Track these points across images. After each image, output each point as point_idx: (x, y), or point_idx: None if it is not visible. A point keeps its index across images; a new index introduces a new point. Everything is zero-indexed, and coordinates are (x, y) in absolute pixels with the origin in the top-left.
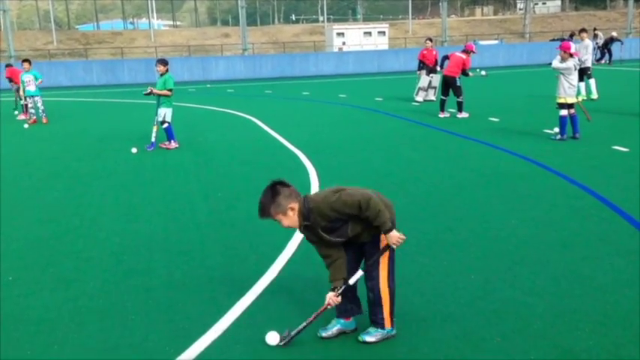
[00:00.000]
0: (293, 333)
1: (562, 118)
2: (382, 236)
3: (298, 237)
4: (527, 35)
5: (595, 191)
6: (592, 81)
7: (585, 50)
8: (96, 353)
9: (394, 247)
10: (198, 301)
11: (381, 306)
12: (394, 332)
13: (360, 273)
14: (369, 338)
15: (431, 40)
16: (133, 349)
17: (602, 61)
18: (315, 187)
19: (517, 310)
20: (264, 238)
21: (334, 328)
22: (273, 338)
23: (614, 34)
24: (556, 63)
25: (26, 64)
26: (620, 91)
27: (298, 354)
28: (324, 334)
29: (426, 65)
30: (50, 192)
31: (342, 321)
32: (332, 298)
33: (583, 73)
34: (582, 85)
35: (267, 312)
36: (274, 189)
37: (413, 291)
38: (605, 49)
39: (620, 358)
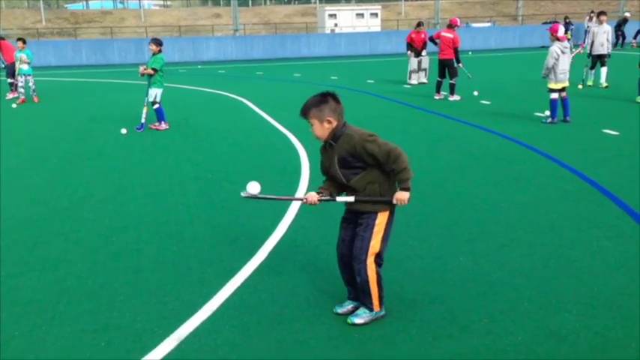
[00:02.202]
0: (263, 196)
1: (553, 102)
2: (377, 220)
3: (288, 219)
4: (520, 18)
5: (584, 174)
6: (604, 69)
7: (605, 35)
8: (84, 334)
9: (396, 202)
10: (187, 282)
11: (369, 293)
12: (383, 313)
13: (351, 198)
14: (358, 320)
15: (422, 24)
16: (122, 330)
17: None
18: (305, 168)
19: (505, 292)
20: (254, 220)
21: (350, 305)
22: (253, 187)
23: (628, 14)
24: (547, 63)
25: (21, 43)
26: (610, 75)
27: (287, 334)
28: (339, 311)
29: (414, 48)
30: (39, 173)
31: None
32: (312, 196)
33: (600, 60)
34: (592, 72)
35: (257, 293)
36: (325, 97)
37: (402, 273)
38: (618, 31)
39: (607, 340)
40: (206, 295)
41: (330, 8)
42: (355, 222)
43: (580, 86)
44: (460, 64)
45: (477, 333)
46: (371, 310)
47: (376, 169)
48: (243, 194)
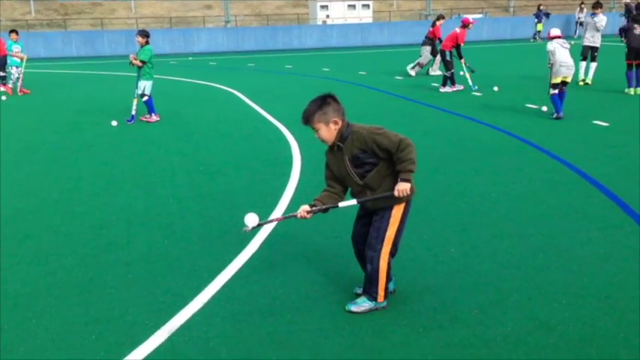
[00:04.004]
0: (263, 222)
1: (552, 97)
2: (393, 211)
3: (279, 210)
4: (512, 9)
5: (575, 165)
6: (594, 65)
7: (597, 27)
8: (74, 327)
9: (396, 193)
10: (178, 275)
11: (377, 281)
12: (385, 304)
13: (353, 201)
14: (354, 308)
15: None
16: (112, 323)
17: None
18: (297, 160)
19: (495, 283)
20: (245, 212)
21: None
22: (251, 219)
23: None
24: (550, 62)
25: (14, 35)
26: (602, 66)
27: (278, 325)
28: (358, 291)
29: (434, 41)
30: (28, 165)
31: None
32: (303, 211)
33: (590, 54)
34: (589, 65)
35: (248, 285)
36: (325, 99)
37: (393, 263)
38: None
39: (596, 330)
40: (197, 288)
41: None
42: (371, 215)
43: (581, 83)
44: (462, 61)
45: (467, 323)
46: (373, 299)
47: (388, 162)
48: (244, 230)
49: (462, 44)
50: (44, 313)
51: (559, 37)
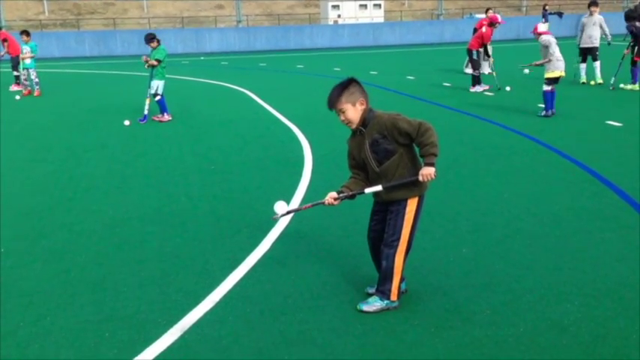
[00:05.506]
0: (291, 210)
1: (546, 94)
2: (407, 207)
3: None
4: (524, 9)
5: (587, 165)
6: (596, 64)
7: (593, 27)
8: (88, 325)
9: (422, 178)
10: (190, 273)
11: (391, 278)
12: (397, 304)
13: (379, 187)
14: (366, 307)
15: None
16: (125, 320)
17: None
18: (308, 159)
19: (507, 284)
20: (257, 211)
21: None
22: (280, 207)
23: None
24: (551, 53)
25: (25, 36)
26: (614, 66)
27: (290, 324)
28: (370, 291)
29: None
30: (42, 164)
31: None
32: (331, 197)
33: (590, 54)
34: (583, 67)
35: (260, 284)
36: (350, 81)
37: (406, 263)
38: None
39: (609, 330)
40: (209, 286)
41: None
42: (385, 211)
43: (592, 83)
44: (490, 60)
45: (479, 324)
46: (386, 298)
47: (405, 153)
48: (274, 217)
49: (488, 43)
50: (58, 310)
51: (547, 33)
